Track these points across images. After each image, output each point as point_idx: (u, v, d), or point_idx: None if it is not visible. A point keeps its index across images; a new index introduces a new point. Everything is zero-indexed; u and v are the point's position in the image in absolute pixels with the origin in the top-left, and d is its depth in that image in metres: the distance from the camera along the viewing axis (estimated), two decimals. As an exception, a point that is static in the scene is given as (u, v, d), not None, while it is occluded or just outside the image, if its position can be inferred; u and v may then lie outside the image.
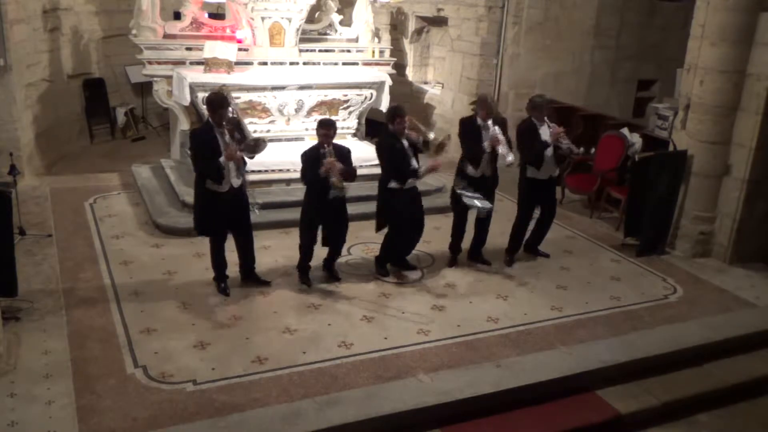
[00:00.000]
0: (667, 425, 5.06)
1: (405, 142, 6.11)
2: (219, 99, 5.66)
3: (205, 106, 5.97)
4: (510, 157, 6.28)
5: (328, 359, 5.10)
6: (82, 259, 6.52)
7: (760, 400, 5.45)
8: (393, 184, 6.16)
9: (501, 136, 6.29)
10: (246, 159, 5.81)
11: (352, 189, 6.83)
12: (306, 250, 6.20)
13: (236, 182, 5.75)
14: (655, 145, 7.98)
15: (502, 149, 6.28)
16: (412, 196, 6.34)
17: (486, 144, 6.32)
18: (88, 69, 10.51)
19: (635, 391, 5.17)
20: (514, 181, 6.84)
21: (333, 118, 8.64)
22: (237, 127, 5.75)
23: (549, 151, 6.49)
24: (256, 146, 5.77)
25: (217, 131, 5.62)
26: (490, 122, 6.36)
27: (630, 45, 11.01)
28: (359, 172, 6.20)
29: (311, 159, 5.82)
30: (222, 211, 5.75)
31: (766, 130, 6.77)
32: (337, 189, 5.75)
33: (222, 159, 5.55)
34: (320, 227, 6.09)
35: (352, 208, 6.96)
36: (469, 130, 6.41)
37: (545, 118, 6.55)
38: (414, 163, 6.14)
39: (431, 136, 6.52)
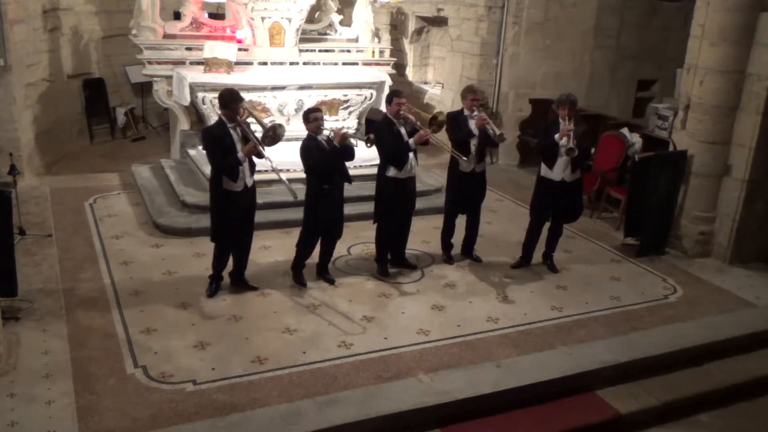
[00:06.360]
0: (667, 425, 5.06)
1: (402, 129, 6.11)
2: (229, 94, 5.64)
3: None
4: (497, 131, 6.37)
5: (328, 359, 5.10)
6: (82, 259, 6.51)
7: (760, 400, 5.45)
8: (392, 173, 6.14)
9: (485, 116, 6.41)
10: (261, 155, 5.70)
11: (352, 189, 6.84)
12: (309, 249, 6.20)
13: (250, 181, 5.74)
14: (655, 145, 7.98)
15: (490, 129, 6.34)
16: (409, 191, 6.33)
17: (472, 127, 6.37)
18: (88, 69, 10.51)
19: (635, 391, 5.17)
20: (510, 181, 6.83)
21: (333, 118, 8.70)
22: (247, 128, 5.72)
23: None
24: (275, 134, 5.69)
25: (230, 127, 5.60)
26: (475, 112, 6.42)
27: (630, 45, 11.00)
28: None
29: (315, 149, 5.81)
30: (236, 215, 5.72)
31: (766, 130, 6.78)
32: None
33: (240, 155, 5.54)
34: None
35: (352, 208, 6.98)
36: (455, 121, 6.46)
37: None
38: (411, 144, 6.08)
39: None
